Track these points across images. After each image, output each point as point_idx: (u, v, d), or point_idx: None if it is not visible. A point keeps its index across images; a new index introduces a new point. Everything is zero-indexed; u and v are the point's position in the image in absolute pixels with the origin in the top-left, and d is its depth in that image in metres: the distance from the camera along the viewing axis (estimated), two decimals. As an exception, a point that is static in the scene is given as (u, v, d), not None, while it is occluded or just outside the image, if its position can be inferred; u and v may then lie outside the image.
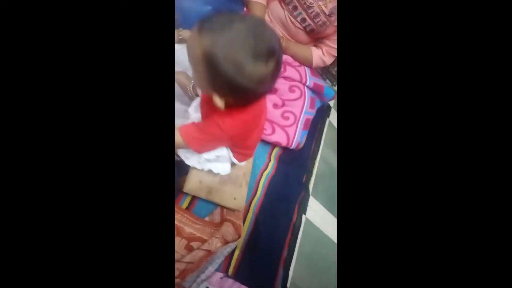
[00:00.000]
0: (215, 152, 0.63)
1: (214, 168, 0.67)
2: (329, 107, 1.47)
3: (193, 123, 0.57)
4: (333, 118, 1.47)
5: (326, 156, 1.30)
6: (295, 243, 0.96)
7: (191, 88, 0.71)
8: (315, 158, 1.25)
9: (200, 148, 0.60)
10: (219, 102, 0.47)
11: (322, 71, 1.30)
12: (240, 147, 0.65)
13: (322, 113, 1.38)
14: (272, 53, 0.42)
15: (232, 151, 0.65)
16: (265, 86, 0.46)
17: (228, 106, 0.48)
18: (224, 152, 0.64)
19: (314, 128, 1.29)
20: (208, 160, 0.64)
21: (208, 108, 0.56)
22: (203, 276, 0.64)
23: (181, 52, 0.53)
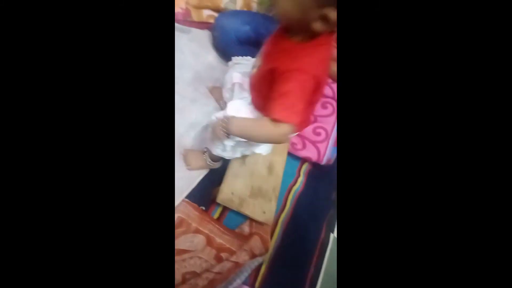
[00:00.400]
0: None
1: (257, 150, 0.67)
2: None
3: (275, 100, 0.47)
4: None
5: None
6: (322, 261, 0.94)
7: (222, 102, 0.75)
8: (345, 175, 1.22)
9: (299, 116, 0.47)
10: (333, 16, 0.40)
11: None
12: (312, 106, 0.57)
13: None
14: None
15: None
16: None
17: (328, 26, 0.42)
18: None
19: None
20: (250, 144, 0.62)
21: (282, 56, 0.48)
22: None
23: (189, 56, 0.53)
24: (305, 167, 1.05)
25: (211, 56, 0.90)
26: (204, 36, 0.90)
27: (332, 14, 0.39)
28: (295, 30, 0.46)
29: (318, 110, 0.97)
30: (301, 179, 1.02)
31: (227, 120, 0.53)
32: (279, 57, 0.48)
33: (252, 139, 0.57)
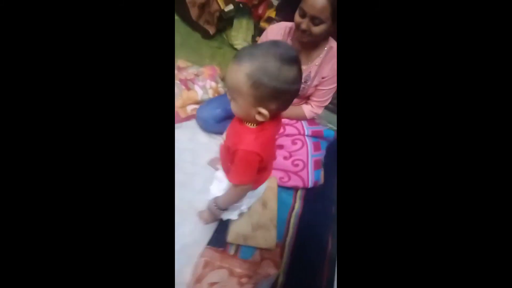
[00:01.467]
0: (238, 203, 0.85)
1: (243, 209, 0.93)
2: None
3: (232, 169, 0.67)
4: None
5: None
6: (333, 268, 1.11)
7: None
8: (341, 188, 1.42)
9: (250, 179, 0.67)
10: (264, 112, 0.55)
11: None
12: (265, 170, 0.75)
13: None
14: (294, 58, 0.53)
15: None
16: (296, 85, 0.56)
17: (271, 114, 0.57)
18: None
19: (334, 162, 1.48)
20: (236, 207, 0.89)
21: (234, 133, 0.65)
22: (254, 303, 0.88)
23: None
24: (300, 192, 1.28)
25: (203, 137, 1.24)
26: (193, 125, 1.25)
27: (264, 111, 0.55)
28: (245, 120, 0.62)
29: (290, 147, 1.23)
30: (298, 204, 1.24)
31: (215, 204, 0.81)
32: (233, 137, 0.66)
33: (234, 202, 0.82)
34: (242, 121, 0.62)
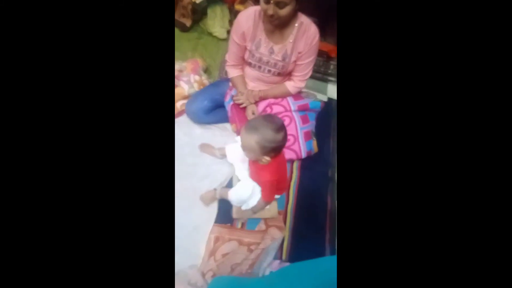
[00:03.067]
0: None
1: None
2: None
3: (263, 192, 1.04)
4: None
5: (346, 146, 1.54)
6: (335, 225, 1.23)
7: (217, 152, 1.21)
8: (336, 152, 1.50)
9: (273, 197, 1.11)
10: (267, 158, 0.92)
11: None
12: (279, 188, 1.10)
13: (331, 112, 1.62)
14: (282, 126, 0.91)
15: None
16: (284, 142, 0.93)
17: (271, 158, 0.94)
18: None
19: (327, 129, 1.55)
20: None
21: (255, 170, 1.03)
22: (264, 264, 1.01)
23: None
24: (296, 163, 1.37)
25: (198, 129, 1.34)
26: (185, 119, 1.34)
27: (267, 158, 0.92)
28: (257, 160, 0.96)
29: (280, 124, 1.32)
30: (295, 173, 1.35)
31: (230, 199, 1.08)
32: (255, 172, 1.04)
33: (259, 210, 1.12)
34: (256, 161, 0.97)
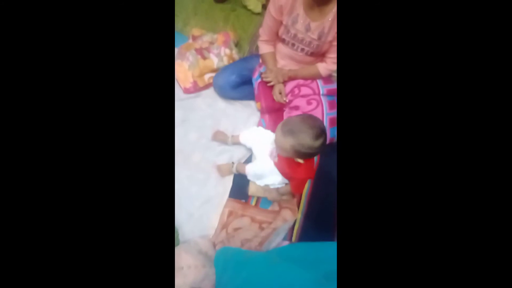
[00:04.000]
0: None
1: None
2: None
3: (293, 186, 0.99)
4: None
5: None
6: (349, 215, 1.21)
7: (230, 139, 1.19)
8: (359, 143, 1.45)
9: (302, 189, 1.12)
10: (301, 160, 0.87)
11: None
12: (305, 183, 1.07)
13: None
14: (322, 132, 0.81)
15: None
16: (321, 149, 0.84)
17: (304, 160, 0.89)
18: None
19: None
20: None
21: (287, 164, 0.96)
22: (274, 244, 1.03)
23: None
24: (318, 149, 1.35)
25: (222, 103, 1.33)
26: (211, 93, 1.33)
27: (300, 160, 0.86)
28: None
29: (306, 107, 1.27)
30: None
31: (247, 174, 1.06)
32: (287, 168, 0.94)
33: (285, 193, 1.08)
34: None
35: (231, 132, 1.24)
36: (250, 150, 1.21)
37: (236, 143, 1.19)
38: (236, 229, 1.04)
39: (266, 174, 1.02)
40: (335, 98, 1.31)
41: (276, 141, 0.86)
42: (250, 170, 1.05)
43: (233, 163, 1.14)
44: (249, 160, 1.22)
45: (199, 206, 1.07)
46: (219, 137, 1.22)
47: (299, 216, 1.14)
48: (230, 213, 1.07)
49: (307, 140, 0.79)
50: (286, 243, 1.06)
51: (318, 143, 0.80)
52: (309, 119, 0.82)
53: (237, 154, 1.21)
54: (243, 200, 1.13)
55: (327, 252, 0.79)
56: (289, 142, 0.80)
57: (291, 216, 1.10)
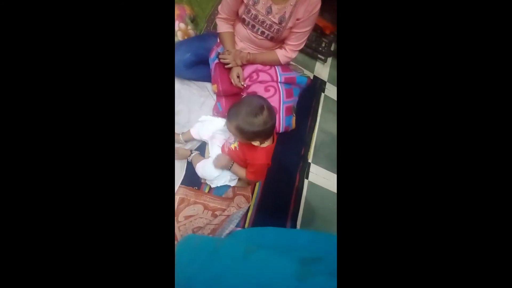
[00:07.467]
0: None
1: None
2: (323, 83, 1.70)
3: (250, 172, 0.99)
4: (328, 92, 1.69)
5: (324, 127, 1.55)
6: (300, 201, 1.26)
7: (181, 137, 1.12)
8: (313, 131, 1.51)
9: (258, 178, 1.09)
10: (257, 143, 0.88)
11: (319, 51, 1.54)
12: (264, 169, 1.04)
13: (314, 91, 1.62)
14: (261, 109, 0.80)
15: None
16: (268, 124, 0.83)
17: (260, 142, 0.89)
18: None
19: (307, 107, 1.54)
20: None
21: (246, 150, 0.95)
22: (226, 231, 1.01)
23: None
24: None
25: (176, 84, 1.23)
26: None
27: (255, 143, 0.87)
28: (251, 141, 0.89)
29: (263, 94, 1.25)
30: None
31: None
32: (248, 152, 0.95)
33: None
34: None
35: (187, 116, 1.17)
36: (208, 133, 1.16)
37: (189, 139, 1.13)
38: (187, 217, 0.99)
39: (216, 177, 1.03)
40: (292, 86, 1.32)
41: (226, 126, 0.87)
42: (199, 170, 1.03)
43: (191, 151, 1.08)
44: (204, 147, 1.16)
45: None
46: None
47: (252, 203, 1.14)
48: (182, 200, 1.01)
49: (247, 117, 0.80)
50: (239, 230, 1.06)
51: (258, 120, 0.81)
52: (249, 98, 0.86)
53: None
54: (196, 188, 1.08)
55: (297, 238, 0.79)
56: (233, 124, 0.82)
57: (244, 203, 1.10)
